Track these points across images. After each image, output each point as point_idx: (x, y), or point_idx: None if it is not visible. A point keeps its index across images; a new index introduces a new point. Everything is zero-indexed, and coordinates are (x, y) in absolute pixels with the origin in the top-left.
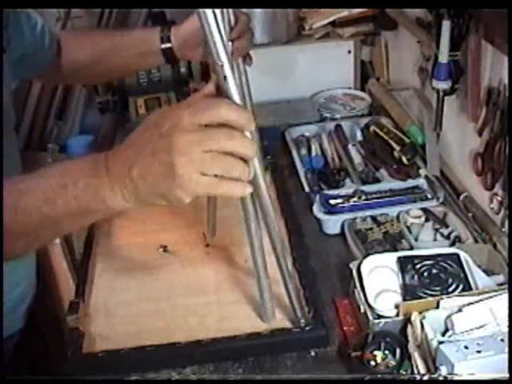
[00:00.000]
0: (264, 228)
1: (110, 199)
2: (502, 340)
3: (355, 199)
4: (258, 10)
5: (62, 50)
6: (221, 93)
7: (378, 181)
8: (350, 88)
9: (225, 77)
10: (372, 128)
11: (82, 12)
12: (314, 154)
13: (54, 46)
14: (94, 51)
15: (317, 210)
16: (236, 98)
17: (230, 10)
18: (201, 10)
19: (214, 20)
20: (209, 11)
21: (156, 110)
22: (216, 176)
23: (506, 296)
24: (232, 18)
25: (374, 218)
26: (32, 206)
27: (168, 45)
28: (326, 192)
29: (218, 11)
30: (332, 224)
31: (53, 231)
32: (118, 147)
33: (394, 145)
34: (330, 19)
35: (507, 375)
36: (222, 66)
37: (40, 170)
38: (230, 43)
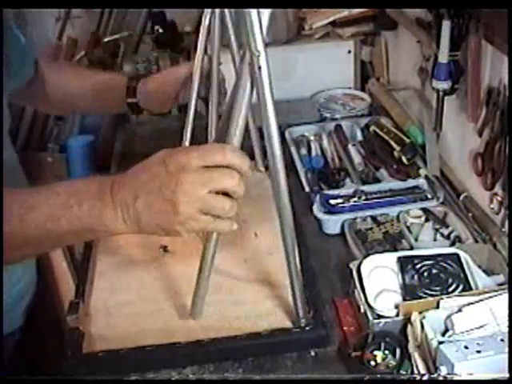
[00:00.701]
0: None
1: (111, 223)
2: (502, 340)
3: (355, 199)
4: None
5: (44, 73)
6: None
7: (378, 181)
8: (350, 88)
9: (259, 67)
10: (372, 128)
11: (81, 12)
12: (314, 153)
13: (34, 64)
14: (74, 86)
15: (317, 209)
16: (266, 87)
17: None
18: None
19: (256, 11)
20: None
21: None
22: (213, 215)
23: (506, 296)
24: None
25: (374, 218)
26: (38, 222)
27: (134, 100)
28: (326, 192)
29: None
30: (332, 224)
31: (54, 244)
32: (125, 175)
33: (394, 145)
34: (330, 19)
35: (507, 375)
36: (258, 56)
37: (50, 185)
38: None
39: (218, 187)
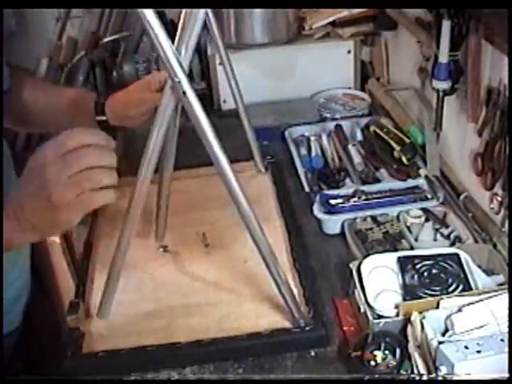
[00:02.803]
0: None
1: (16, 238)
2: (501, 340)
3: (355, 199)
4: (258, 10)
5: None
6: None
7: (378, 181)
8: (350, 88)
9: (184, 92)
10: (372, 128)
11: (81, 12)
12: (314, 153)
13: (8, 79)
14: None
15: (317, 209)
16: (199, 110)
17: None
18: (152, 27)
19: (166, 38)
20: (159, 29)
21: None
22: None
23: (506, 296)
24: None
25: (374, 218)
26: None
27: (103, 117)
28: (326, 192)
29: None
30: (332, 224)
31: None
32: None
33: (394, 145)
34: (330, 19)
35: (507, 375)
36: (180, 82)
37: None
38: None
39: (77, 168)
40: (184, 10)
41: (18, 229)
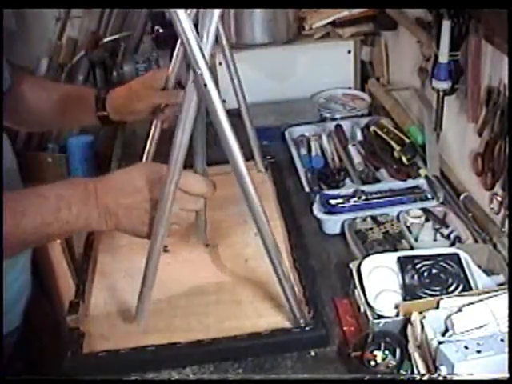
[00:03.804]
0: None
1: (95, 225)
2: (501, 340)
3: (355, 199)
4: (258, 10)
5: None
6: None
7: (378, 181)
8: (350, 88)
9: (205, 85)
10: (372, 128)
11: (81, 12)
12: (314, 153)
13: (9, 78)
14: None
15: (317, 210)
16: (217, 103)
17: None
18: (178, 18)
19: (192, 30)
20: (186, 21)
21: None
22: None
23: (505, 296)
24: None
25: (374, 218)
26: (31, 227)
27: (104, 113)
28: (326, 192)
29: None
30: (332, 224)
31: (47, 241)
32: (108, 180)
33: (394, 145)
34: (330, 19)
35: (507, 375)
36: (202, 74)
37: (36, 188)
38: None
39: (189, 208)
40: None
41: (99, 218)
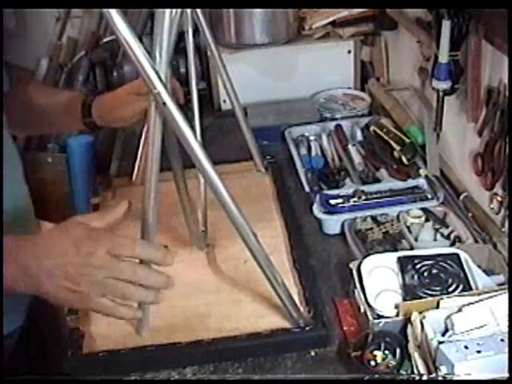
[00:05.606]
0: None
1: (9, 285)
2: (502, 340)
3: (355, 199)
4: (258, 10)
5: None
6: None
7: (378, 181)
8: (349, 88)
9: (164, 103)
10: (372, 128)
11: (81, 12)
12: (314, 153)
13: (8, 79)
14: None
15: (317, 209)
16: (180, 120)
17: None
18: (126, 40)
19: (142, 52)
20: (132, 40)
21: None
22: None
23: (505, 296)
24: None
25: (374, 218)
26: None
27: (90, 119)
28: (326, 192)
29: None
30: (332, 224)
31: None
32: (32, 237)
33: (394, 145)
34: (330, 19)
35: (507, 375)
36: (159, 93)
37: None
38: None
39: (121, 277)
40: (156, 12)
41: (15, 277)
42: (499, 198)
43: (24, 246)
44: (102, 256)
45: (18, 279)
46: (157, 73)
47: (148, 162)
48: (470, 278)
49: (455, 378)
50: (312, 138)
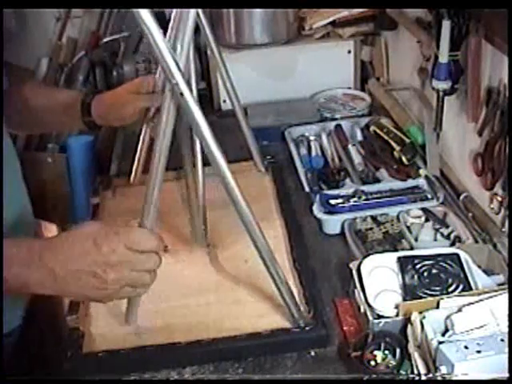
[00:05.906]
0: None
1: (34, 288)
2: (502, 340)
3: (355, 199)
4: (258, 10)
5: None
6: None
7: (378, 181)
8: (349, 88)
9: (181, 94)
10: (372, 128)
11: (81, 12)
12: (314, 153)
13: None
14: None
15: (317, 210)
16: (196, 110)
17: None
18: (148, 28)
19: (163, 40)
20: (157, 32)
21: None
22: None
23: (505, 296)
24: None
25: (374, 218)
26: None
27: (89, 118)
28: (326, 192)
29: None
30: (332, 224)
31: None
32: (55, 241)
33: (394, 145)
34: (330, 19)
35: (507, 375)
36: (177, 84)
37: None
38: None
39: (142, 269)
40: (175, 10)
41: (41, 281)
42: (499, 198)
43: (48, 250)
44: (123, 252)
45: (46, 284)
46: (177, 63)
47: (156, 153)
48: (469, 278)
49: (455, 378)
50: (312, 137)
